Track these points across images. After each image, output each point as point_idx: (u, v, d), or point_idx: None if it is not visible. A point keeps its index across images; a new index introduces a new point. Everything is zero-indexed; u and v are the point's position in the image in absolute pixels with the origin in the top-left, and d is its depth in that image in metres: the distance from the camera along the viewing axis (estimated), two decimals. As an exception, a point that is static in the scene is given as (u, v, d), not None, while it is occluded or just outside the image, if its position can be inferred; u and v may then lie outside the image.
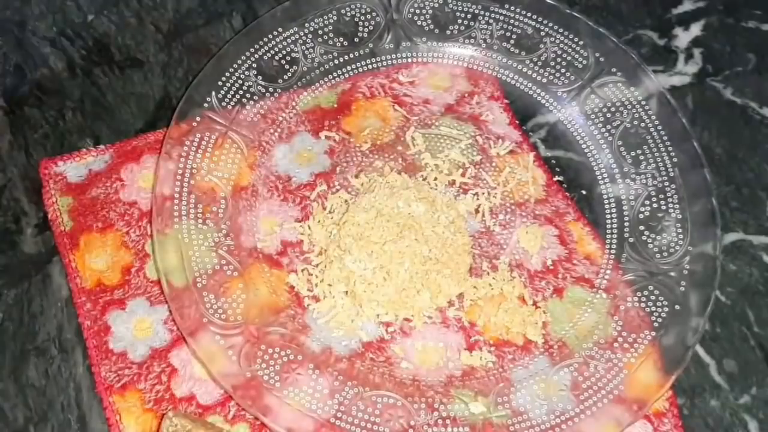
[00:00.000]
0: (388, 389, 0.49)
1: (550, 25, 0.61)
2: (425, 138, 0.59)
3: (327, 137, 0.59)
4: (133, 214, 0.55)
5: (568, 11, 0.60)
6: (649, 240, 0.54)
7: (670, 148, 0.56)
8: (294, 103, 0.60)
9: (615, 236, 0.55)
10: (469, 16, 0.62)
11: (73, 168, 0.57)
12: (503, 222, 0.56)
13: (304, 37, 0.61)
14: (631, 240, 0.54)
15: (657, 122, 0.57)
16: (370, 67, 0.61)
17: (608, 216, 0.56)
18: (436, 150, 0.58)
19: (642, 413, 0.47)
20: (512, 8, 0.61)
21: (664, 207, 0.55)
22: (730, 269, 0.56)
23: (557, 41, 0.61)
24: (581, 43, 0.60)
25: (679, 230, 0.53)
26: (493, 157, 0.58)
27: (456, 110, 0.60)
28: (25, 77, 0.62)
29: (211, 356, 0.48)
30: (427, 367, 0.51)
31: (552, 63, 0.61)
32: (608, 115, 0.59)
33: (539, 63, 0.61)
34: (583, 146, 0.59)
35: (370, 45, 0.62)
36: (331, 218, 0.55)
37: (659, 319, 0.51)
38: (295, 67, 0.60)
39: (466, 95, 0.61)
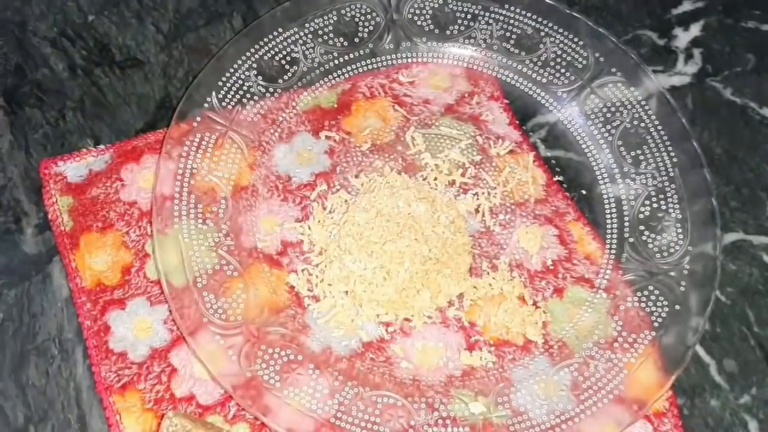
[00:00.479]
0: (388, 389, 0.49)
1: (550, 25, 0.61)
2: (425, 138, 0.59)
3: (327, 137, 0.59)
4: (133, 214, 0.55)
5: (567, 11, 0.60)
6: (649, 240, 0.54)
7: (669, 148, 0.56)
8: (294, 103, 0.60)
9: (615, 236, 0.55)
10: (469, 16, 0.62)
11: (73, 168, 0.57)
12: (503, 222, 0.56)
13: (304, 38, 0.61)
14: (631, 240, 0.54)
15: (657, 122, 0.57)
16: (370, 67, 0.61)
17: (608, 216, 0.56)
18: (436, 150, 0.58)
19: (642, 413, 0.47)
20: (512, 8, 0.61)
21: (664, 207, 0.55)
22: (730, 269, 0.56)
23: (557, 41, 0.61)
24: (581, 43, 0.60)
25: (679, 230, 0.53)
26: (493, 157, 0.58)
27: (456, 110, 0.60)
28: (26, 77, 0.62)
29: (211, 356, 0.48)
30: (427, 367, 0.51)
31: (552, 63, 0.61)
32: (608, 115, 0.59)
33: (539, 63, 0.61)
34: (583, 146, 0.59)
35: (370, 45, 0.62)
36: (331, 218, 0.55)
37: (659, 319, 0.51)
38: (295, 67, 0.60)
39: (466, 95, 0.61)
